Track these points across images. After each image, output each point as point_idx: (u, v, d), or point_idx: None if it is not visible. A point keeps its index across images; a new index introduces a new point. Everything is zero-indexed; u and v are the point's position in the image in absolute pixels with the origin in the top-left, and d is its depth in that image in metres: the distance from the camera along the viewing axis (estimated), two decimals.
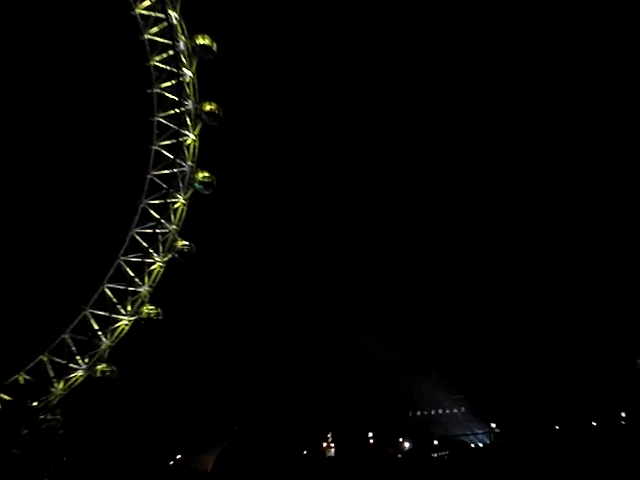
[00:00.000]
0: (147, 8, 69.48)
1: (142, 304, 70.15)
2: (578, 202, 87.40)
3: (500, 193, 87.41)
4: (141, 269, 70.19)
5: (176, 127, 71.37)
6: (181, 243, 71.65)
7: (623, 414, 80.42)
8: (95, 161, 73.32)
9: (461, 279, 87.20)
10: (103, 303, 68.90)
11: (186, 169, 71.79)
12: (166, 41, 69.87)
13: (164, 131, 71.78)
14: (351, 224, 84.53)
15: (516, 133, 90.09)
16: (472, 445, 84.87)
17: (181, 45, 70.30)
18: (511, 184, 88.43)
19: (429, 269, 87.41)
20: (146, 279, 70.33)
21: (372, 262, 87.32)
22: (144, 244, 70.60)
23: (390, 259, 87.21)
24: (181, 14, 69.68)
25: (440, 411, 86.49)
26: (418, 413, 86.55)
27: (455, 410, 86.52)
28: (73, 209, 71.28)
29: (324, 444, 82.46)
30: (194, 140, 72.06)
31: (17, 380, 66.84)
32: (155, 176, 71.68)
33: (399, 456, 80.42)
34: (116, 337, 69.43)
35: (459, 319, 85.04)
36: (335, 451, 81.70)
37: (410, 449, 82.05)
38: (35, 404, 66.85)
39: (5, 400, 66.28)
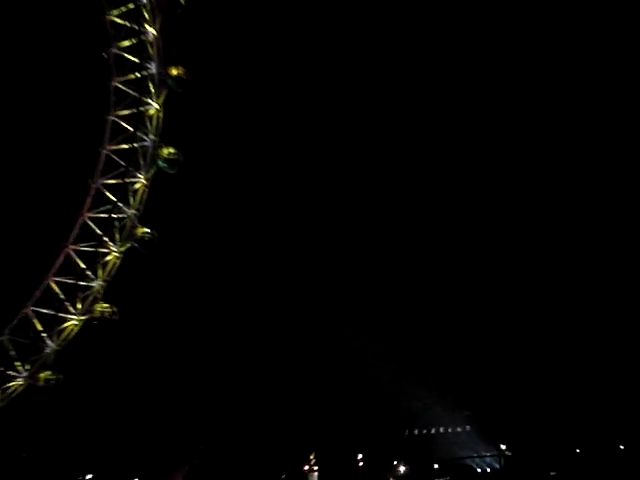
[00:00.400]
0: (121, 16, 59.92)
1: (95, 301, 60.01)
2: (577, 205, 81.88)
3: (492, 198, 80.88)
4: (94, 260, 60.10)
5: (137, 94, 61.09)
6: (141, 230, 61.43)
7: None
8: (40, 133, 62.81)
9: (467, 282, 79.47)
10: (49, 300, 58.96)
11: (148, 144, 61.51)
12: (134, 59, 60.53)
13: (123, 99, 61.52)
14: (336, 211, 75.27)
15: (516, 132, 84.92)
16: (479, 470, 75.94)
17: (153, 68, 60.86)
18: (506, 186, 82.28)
19: (429, 272, 79.49)
20: (100, 272, 60.20)
21: (366, 260, 78.60)
22: (98, 231, 60.51)
23: (388, 258, 78.82)
24: None
25: (442, 430, 76.95)
26: (416, 432, 77.01)
27: (459, 429, 76.80)
28: (13, 189, 60.99)
29: (306, 466, 72.46)
30: (158, 110, 61.71)
31: None
32: (111, 152, 61.51)
33: None
34: (63, 339, 59.42)
35: (465, 325, 76.52)
36: (318, 475, 72.36)
37: (406, 473, 73.17)
38: None
39: None
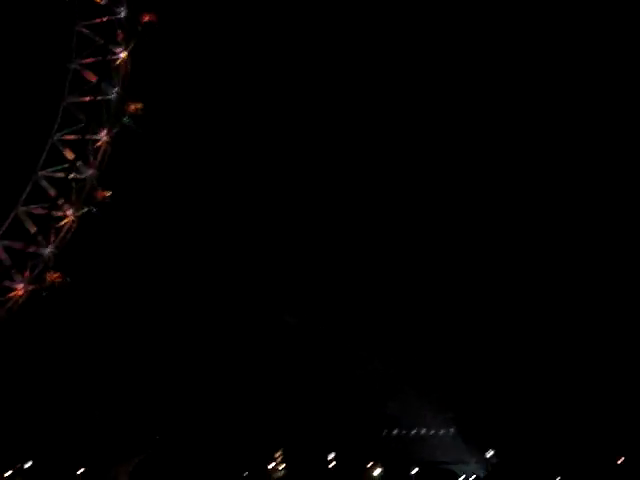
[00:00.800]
0: None
1: (45, 269, 53.96)
2: (574, 206, 79.12)
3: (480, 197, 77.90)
4: (46, 225, 54.01)
5: (103, 41, 54.92)
6: (101, 193, 55.21)
7: None
8: None
9: (452, 279, 75.09)
10: None
11: (113, 97, 55.26)
12: None
13: (87, 46, 55.36)
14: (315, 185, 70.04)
15: (516, 131, 79.69)
16: (462, 477, 70.50)
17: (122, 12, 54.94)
18: (500, 185, 79.67)
19: (412, 270, 75.17)
20: (52, 238, 54.10)
21: (347, 257, 73.73)
22: (52, 192, 54.44)
23: (369, 256, 74.20)
24: None
25: (423, 431, 71.40)
26: (395, 432, 71.38)
27: (442, 431, 71.32)
28: None
29: (271, 464, 66.96)
30: (125, 60, 55.38)
31: None
32: (71, 104, 55.45)
33: None
34: (8, 312, 53.53)
35: (450, 320, 71.10)
36: (285, 475, 66.74)
37: (381, 476, 67.74)
38: None
39: None
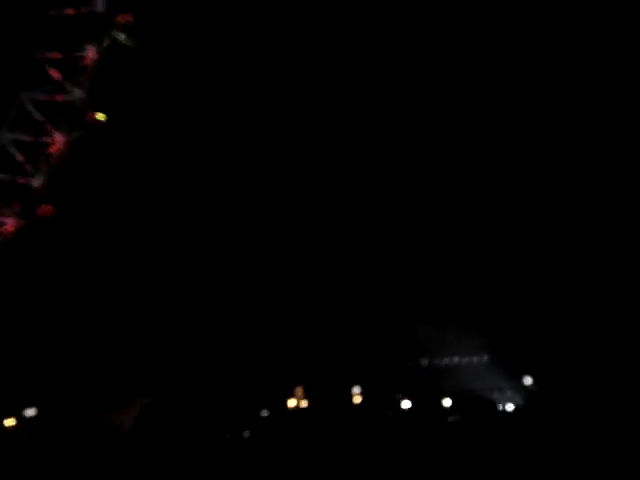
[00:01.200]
0: None
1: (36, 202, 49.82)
2: None
3: None
4: (35, 152, 49.69)
5: None
6: (92, 115, 50.63)
7: None
8: None
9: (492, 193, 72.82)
10: None
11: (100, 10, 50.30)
12: None
13: None
14: None
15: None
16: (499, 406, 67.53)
17: None
18: None
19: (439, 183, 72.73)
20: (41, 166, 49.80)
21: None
22: (38, 116, 49.95)
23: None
24: None
25: (455, 360, 68.59)
26: (425, 362, 68.61)
27: (476, 359, 68.67)
28: None
29: (292, 399, 63.92)
30: None
31: None
32: (58, 19, 50.56)
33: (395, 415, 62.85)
34: None
35: (483, 238, 67.83)
36: (307, 411, 63.66)
37: (410, 409, 64.80)
38: None
39: None
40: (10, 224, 49.65)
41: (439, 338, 63.41)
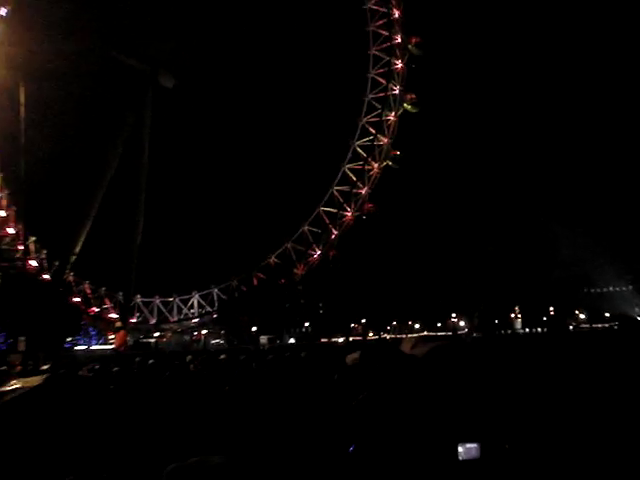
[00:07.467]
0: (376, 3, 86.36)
1: (363, 203, 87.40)
2: None
3: None
4: (362, 175, 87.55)
5: (387, 57, 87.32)
6: (394, 152, 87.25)
7: None
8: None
9: None
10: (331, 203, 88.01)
11: (397, 92, 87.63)
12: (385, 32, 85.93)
13: (377, 62, 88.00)
14: None
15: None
16: None
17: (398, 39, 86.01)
18: None
19: None
20: (366, 182, 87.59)
21: None
22: (363, 154, 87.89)
23: None
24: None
25: (610, 289, 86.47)
26: (591, 290, 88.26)
27: (624, 288, 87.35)
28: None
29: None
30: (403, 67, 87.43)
31: (269, 263, 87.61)
32: (371, 99, 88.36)
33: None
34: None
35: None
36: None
37: (584, 321, 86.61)
38: (283, 281, 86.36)
39: (261, 278, 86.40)
40: (349, 216, 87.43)
41: (595, 271, 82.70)
